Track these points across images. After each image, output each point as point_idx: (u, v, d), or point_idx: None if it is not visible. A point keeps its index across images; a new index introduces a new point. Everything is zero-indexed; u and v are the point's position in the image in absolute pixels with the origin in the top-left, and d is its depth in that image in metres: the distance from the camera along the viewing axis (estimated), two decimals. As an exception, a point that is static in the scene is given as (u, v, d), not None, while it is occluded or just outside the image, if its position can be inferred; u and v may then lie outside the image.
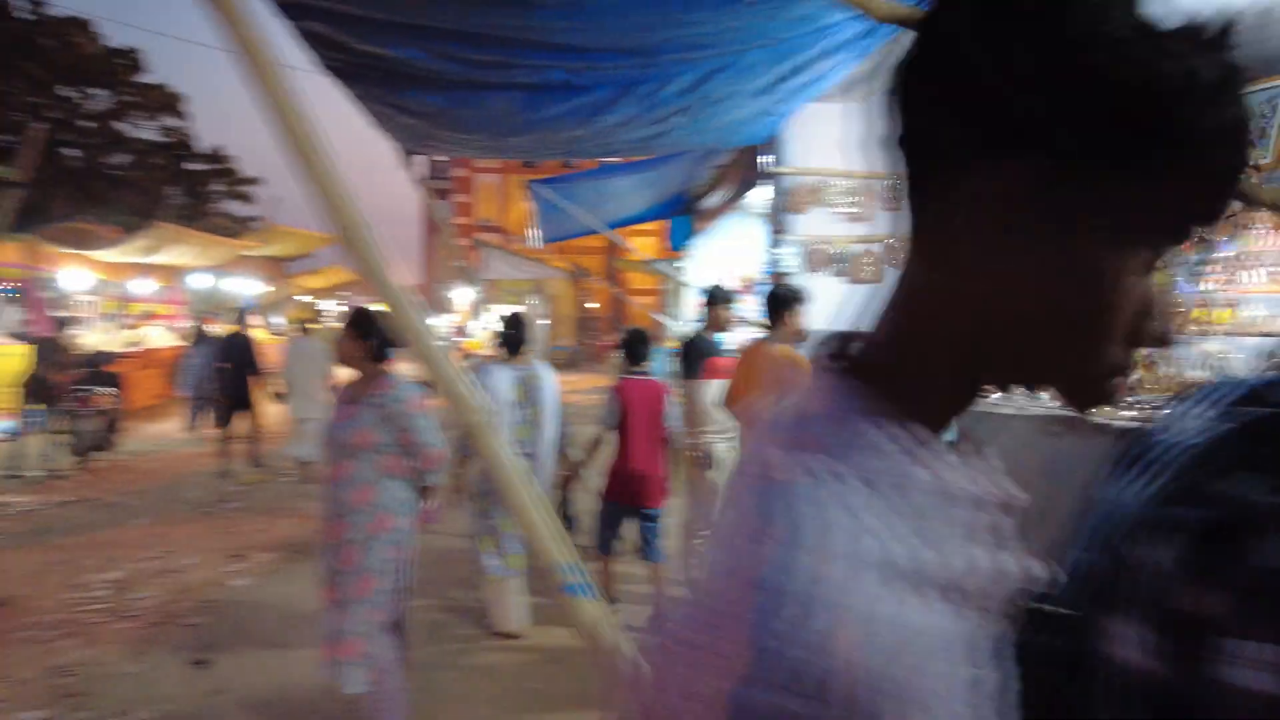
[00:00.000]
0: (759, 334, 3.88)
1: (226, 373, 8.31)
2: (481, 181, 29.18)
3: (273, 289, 20.55)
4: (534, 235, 8.18)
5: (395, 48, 2.79)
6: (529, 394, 4.23)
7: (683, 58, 3.12)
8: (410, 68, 3.00)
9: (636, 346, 4.48)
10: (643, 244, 11.02)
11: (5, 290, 11.99)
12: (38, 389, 8.07)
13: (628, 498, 4.22)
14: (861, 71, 5.13)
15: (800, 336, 3.72)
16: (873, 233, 6.26)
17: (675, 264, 10.07)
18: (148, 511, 6.91)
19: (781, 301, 3.66)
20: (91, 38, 21.73)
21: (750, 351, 3.76)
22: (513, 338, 4.29)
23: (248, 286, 16.71)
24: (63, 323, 9.01)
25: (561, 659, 3.92)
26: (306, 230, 17.80)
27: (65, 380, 8.35)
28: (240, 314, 9.42)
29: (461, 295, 26.64)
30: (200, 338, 10.66)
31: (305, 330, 8.46)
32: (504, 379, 4.23)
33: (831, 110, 5.65)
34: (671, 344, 9.89)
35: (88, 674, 3.81)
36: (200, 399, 10.00)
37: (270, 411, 8.90)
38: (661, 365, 5.97)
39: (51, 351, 8.34)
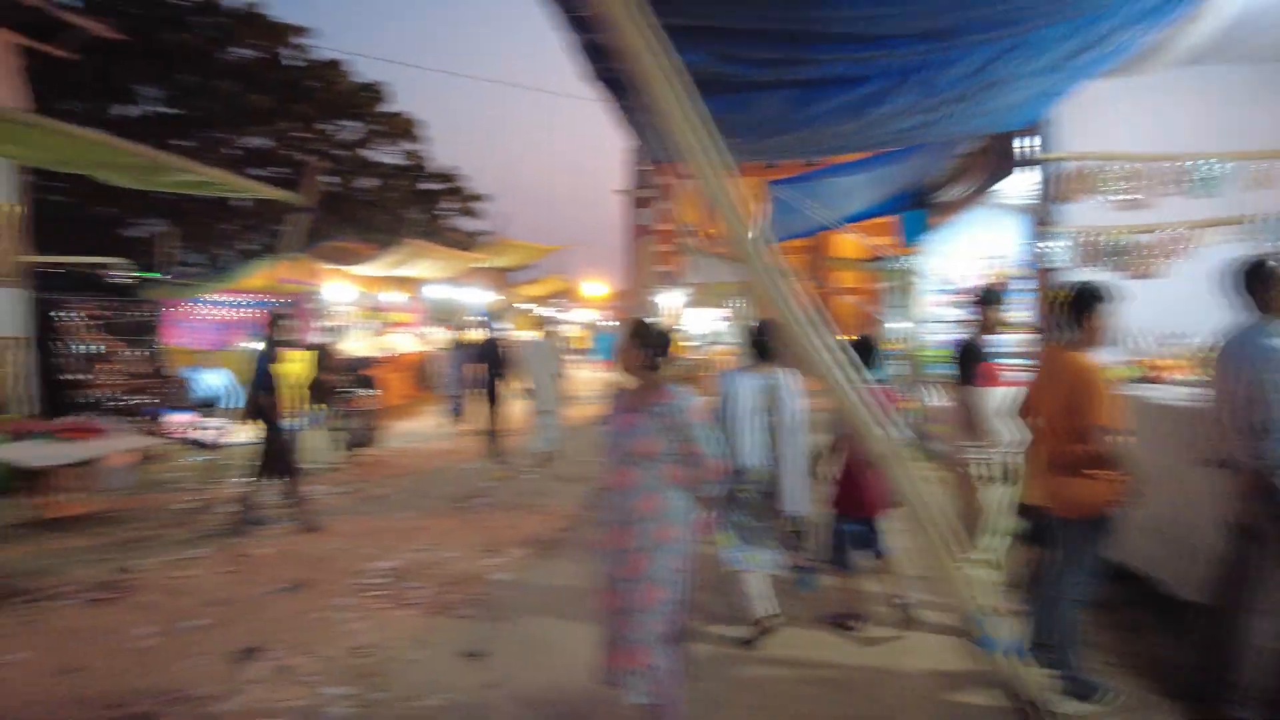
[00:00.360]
0: (1055, 339, 3.47)
1: (482, 374, 9.45)
2: (685, 187, 29.50)
3: (499, 297, 22.01)
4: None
5: (678, 52, 2.75)
6: (773, 402, 4.12)
7: (980, 38, 2.85)
8: (687, 72, 2.95)
9: (864, 354, 4.24)
10: (856, 239, 10.57)
11: (281, 303, 13.68)
12: (317, 390, 9.08)
13: (861, 509, 4.15)
14: (1154, 42, 4.50)
15: (1104, 341, 3.29)
16: (1154, 221, 5.50)
17: (904, 260, 9.54)
18: (408, 505, 7.55)
19: (1084, 302, 3.24)
20: (343, 75, 24.43)
21: (1051, 359, 3.36)
22: (762, 344, 4.19)
23: (477, 295, 17.97)
24: (334, 331, 10.14)
25: (827, 682, 3.74)
26: (530, 243, 18.93)
27: (336, 383, 9.38)
28: (491, 321, 10.66)
29: (668, 299, 27.14)
30: (458, 344, 12.10)
31: (546, 333, 9.22)
32: (747, 386, 4.14)
33: (1110, 87, 5.02)
34: (894, 345, 9.44)
35: (379, 657, 4.13)
36: (457, 398, 11.29)
37: (515, 410, 9.72)
38: (885, 370, 5.66)
39: (325, 357, 9.37)
